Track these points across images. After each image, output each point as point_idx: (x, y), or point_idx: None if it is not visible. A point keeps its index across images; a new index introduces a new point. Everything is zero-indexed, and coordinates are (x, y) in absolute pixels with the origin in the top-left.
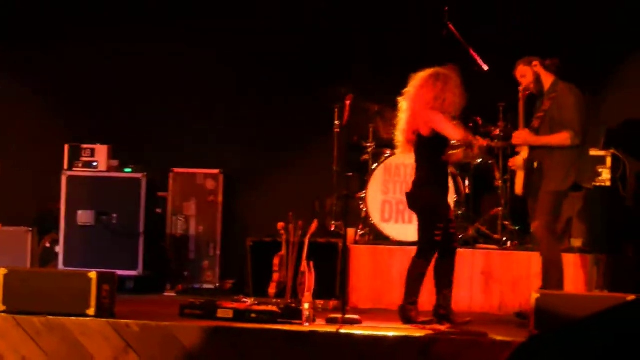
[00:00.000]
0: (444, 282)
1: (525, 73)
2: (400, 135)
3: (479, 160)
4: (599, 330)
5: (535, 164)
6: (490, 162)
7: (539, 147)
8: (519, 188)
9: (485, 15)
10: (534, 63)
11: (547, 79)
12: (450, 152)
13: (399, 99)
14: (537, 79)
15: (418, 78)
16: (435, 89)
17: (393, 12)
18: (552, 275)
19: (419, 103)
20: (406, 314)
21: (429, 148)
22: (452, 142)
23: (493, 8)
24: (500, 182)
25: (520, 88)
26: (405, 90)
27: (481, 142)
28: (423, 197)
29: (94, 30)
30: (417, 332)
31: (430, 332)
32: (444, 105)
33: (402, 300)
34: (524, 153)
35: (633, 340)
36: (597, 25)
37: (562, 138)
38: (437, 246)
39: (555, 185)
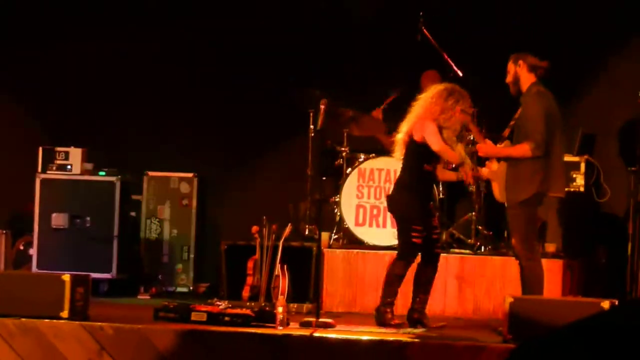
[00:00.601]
0: (423, 287)
1: (510, 69)
2: (400, 134)
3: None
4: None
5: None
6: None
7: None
8: (497, 195)
9: (459, 20)
10: (520, 62)
11: (527, 82)
12: (443, 171)
13: (413, 103)
14: (516, 81)
15: (434, 88)
16: (446, 104)
17: (367, 17)
18: (534, 288)
19: (425, 111)
20: (382, 316)
21: (416, 154)
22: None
23: (468, 14)
24: (474, 187)
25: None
26: (419, 96)
27: (482, 172)
28: (401, 201)
29: (67, 32)
30: (390, 336)
31: (403, 336)
32: (449, 121)
33: (379, 302)
34: (493, 165)
35: (628, 343)
36: (573, 31)
37: (523, 150)
38: (417, 248)
39: (520, 195)
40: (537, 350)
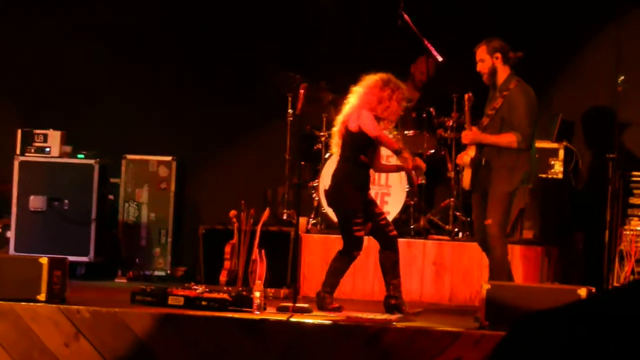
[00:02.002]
0: (391, 272)
1: (485, 59)
2: (336, 126)
3: (423, 182)
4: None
5: (484, 161)
6: (442, 153)
7: (488, 145)
8: (466, 183)
9: (439, 5)
10: (497, 55)
11: (503, 73)
12: (382, 163)
13: (348, 95)
14: (493, 72)
15: (369, 79)
16: (382, 93)
17: (346, 1)
18: (501, 273)
19: (361, 101)
20: (321, 301)
21: (352, 144)
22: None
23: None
24: (452, 173)
25: (478, 69)
26: (354, 88)
27: (418, 162)
28: (336, 194)
29: (42, 12)
30: (367, 322)
31: (381, 321)
32: (385, 112)
33: (320, 287)
34: (471, 152)
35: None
36: (552, 16)
37: (510, 140)
38: (359, 241)
39: (506, 186)
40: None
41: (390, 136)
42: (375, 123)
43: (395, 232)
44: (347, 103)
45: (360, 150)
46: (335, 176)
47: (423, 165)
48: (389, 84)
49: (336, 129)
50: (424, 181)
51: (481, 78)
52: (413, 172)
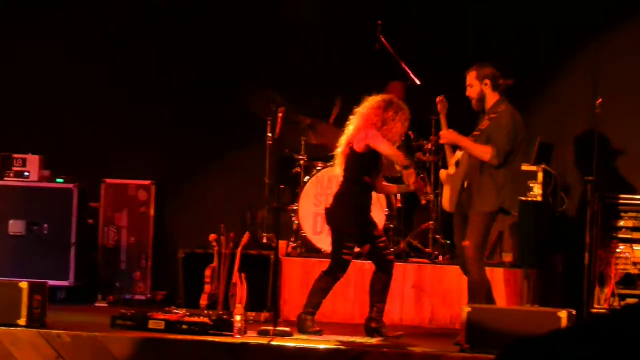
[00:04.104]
0: (379, 296)
1: (474, 85)
2: (340, 147)
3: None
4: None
5: (466, 184)
6: (421, 176)
7: (471, 167)
8: (445, 203)
9: (416, 29)
10: (486, 82)
11: (492, 99)
12: (385, 184)
13: (350, 117)
14: (481, 98)
15: (372, 100)
16: (386, 115)
17: (325, 24)
18: (479, 295)
19: (365, 121)
20: (302, 324)
21: (356, 165)
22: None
23: (426, 22)
24: (432, 196)
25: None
26: (357, 109)
27: (421, 183)
28: (336, 214)
29: (19, 35)
30: (348, 346)
31: (361, 345)
32: (389, 133)
33: (302, 309)
34: (451, 169)
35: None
36: (531, 39)
37: (483, 151)
38: (345, 265)
39: (487, 207)
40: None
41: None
42: (384, 140)
43: (392, 257)
44: (350, 124)
45: (365, 171)
46: (337, 197)
47: (423, 185)
48: (392, 105)
49: (340, 150)
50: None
51: (459, 100)
52: (416, 188)
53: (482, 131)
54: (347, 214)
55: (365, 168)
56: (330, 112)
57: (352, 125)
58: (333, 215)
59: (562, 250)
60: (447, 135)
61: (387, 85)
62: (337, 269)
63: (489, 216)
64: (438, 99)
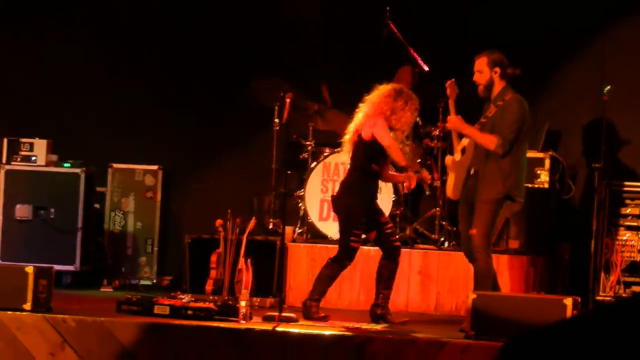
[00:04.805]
0: (385, 282)
1: (484, 71)
2: (348, 134)
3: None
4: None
5: (472, 171)
6: (428, 162)
7: (477, 154)
8: (449, 191)
9: (424, 16)
10: (496, 69)
11: (498, 86)
12: (391, 172)
13: (360, 104)
14: (489, 85)
15: (382, 88)
16: (395, 104)
17: (333, 11)
18: (485, 283)
19: (375, 109)
20: (307, 310)
21: (364, 153)
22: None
23: (434, 8)
24: (438, 182)
25: (474, 79)
26: (367, 97)
27: (425, 174)
28: (343, 202)
29: (27, 21)
30: (352, 332)
31: (366, 331)
32: (398, 122)
33: (307, 296)
34: (456, 155)
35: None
36: (537, 26)
37: (488, 140)
38: (353, 252)
39: (492, 194)
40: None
41: (401, 147)
42: (389, 133)
43: (399, 243)
44: (359, 111)
45: (372, 159)
46: (344, 184)
47: (428, 177)
48: (402, 94)
49: (348, 137)
50: (428, 192)
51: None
52: (420, 180)
53: (489, 119)
54: (354, 201)
55: (372, 156)
56: (339, 98)
57: (360, 113)
58: (340, 203)
59: (568, 238)
60: (454, 121)
61: (396, 71)
62: (345, 256)
63: (494, 204)
64: (447, 83)
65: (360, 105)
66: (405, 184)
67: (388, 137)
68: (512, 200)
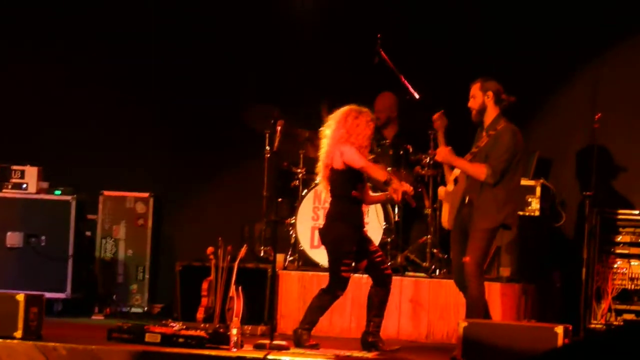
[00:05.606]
0: (376, 310)
1: (477, 96)
2: (319, 173)
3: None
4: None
5: (467, 199)
6: (419, 189)
7: (471, 182)
8: (444, 221)
9: (415, 43)
10: (489, 94)
11: (491, 114)
12: (372, 194)
13: (319, 142)
14: (481, 110)
15: (332, 118)
16: (347, 125)
17: (323, 37)
18: (477, 311)
19: (335, 139)
20: (298, 338)
21: (341, 182)
22: (371, 179)
23: (426, 36)
24: (429, 210)
25: (468, 105)
26: (323, 132)
27: (406, 187)
28: (331, 233)
29: (19, 52)
30: None
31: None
32: (358, 139)
33: (298, 324)
34: (449, 186)
35: None
36: (531, 53)
37: (478, 170)
38: (344, 282)
39: (487, 223)
40: None
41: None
42: (360, 154)
43: (390, 271)
44: (321, 147)
45: (351, 186)
46: (329, 216)
47: (410, 189)
48: (350, 113)
49: (321, 174)
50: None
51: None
52: (406, 198)
53: (481, 148)
54: (341, 232)
55: (350, 183)
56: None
57: (323, 149)
58: (327, 235)
59: (559, 265)
60: (443, 153)
61: (377, 96)
62: (337, 286)
63: (490, 232)
64: (435, 115)
65: (321, 142)
66: (394, 198)
67: (360, 159)
68: (508, 229)
